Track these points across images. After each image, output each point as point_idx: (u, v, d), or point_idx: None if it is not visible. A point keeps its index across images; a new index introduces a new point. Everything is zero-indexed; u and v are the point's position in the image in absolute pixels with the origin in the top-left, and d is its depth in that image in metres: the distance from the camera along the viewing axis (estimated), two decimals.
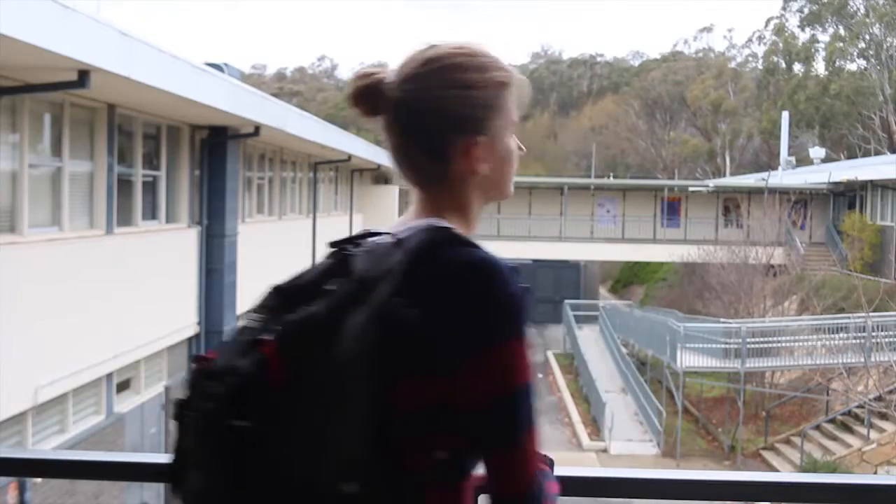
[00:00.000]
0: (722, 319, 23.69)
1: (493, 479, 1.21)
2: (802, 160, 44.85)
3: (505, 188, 1.41)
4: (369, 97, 1.33)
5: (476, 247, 1.25)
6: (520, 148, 1.42)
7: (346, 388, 1.14)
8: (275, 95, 24.27)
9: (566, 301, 35.43)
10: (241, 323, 1.28)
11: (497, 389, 1.18)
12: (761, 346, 21.62)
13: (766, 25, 60.85)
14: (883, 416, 18.87)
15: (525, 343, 1.20)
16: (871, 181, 31.12)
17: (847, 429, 19.98)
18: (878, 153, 45.06)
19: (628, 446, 21.14)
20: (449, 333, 1.18)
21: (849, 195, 34.19)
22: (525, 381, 1.20)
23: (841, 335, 20.78)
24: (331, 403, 1.15)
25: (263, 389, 1.17)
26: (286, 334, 1.19)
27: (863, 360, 19.89)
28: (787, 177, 38.52)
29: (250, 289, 16.18)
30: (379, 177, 32.68)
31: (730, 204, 36.09)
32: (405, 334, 1.16)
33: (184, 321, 14.08)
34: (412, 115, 1.32)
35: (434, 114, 1.32)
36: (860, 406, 19.46)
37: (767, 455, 20.70)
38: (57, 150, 10.47)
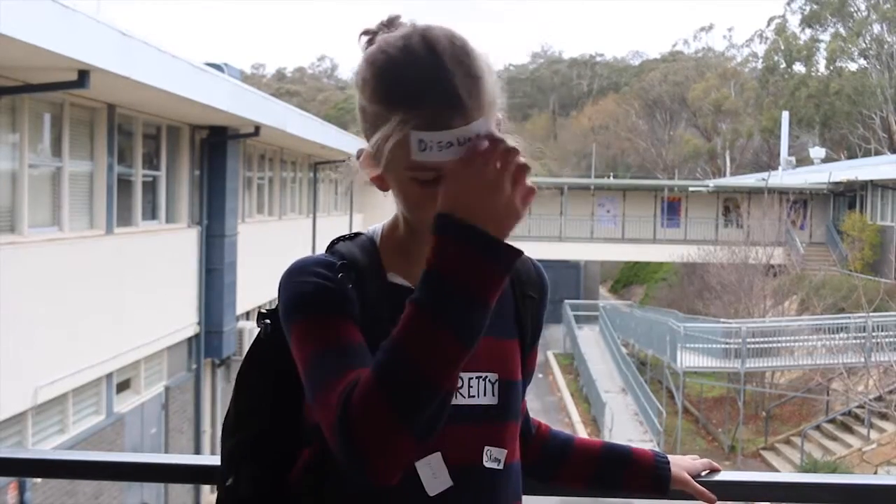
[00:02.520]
0: (722, 319, 23.69)
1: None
2: (803, 160, 44.85)
3: (410, 215, 1.26)
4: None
5: (329, 255, 1.29)
6: (423, 181, 1.18)
7: (242, 368, 1.38)
8: (274, 95, 24.27)
9: (566, 301, 35.43)
10: None
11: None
12: (761, 346, 21.62)
13: (768, 25, 60.92)
14: (883, 417, 18.87)
15: (302, 324, 1.22)
16: (872, 181, 31.12)
17: (847, 429, 19.98)
18: (878, 153, 45.06)
19: None
20: None
21: (849, 195, 34.20)
22: (305, 354, 1.22)
23: (841, 335, 20.78)
24: (239, 375, 1.39)
25: None
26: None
27: (863, 360, 19.88)
28: (787, 177, 38.52)
29: (250, 289, 16.23)
30: None
31: (730, 204, 36.10)
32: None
33: (184, 321, 14.08)
34: None
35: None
36: (860, 406, 19.46)
37: (767, 455, 20.70)
38: (57, 150, 10.47)
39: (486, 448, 1.28)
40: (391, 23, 1.25)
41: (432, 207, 1.14)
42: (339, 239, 1.33)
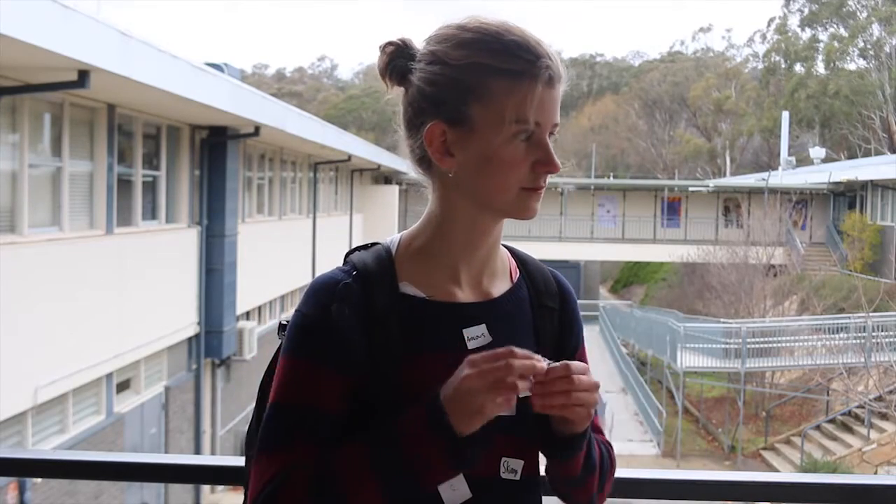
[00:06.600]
0: (722, 319, 23.70)
1: None
2: (803, 160, 44.85)
3: (490, 199, 1.24)
4: (390, 68, 1.28)
5: (343, 266, 1.29)
6: (542, 163, 1.26)
7: (263, 380, 1.34)
8: (274, 95, 24.26)
9: None
10: None
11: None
12: (761, 346, 21.62)
13: (769, 25, 60.92)
14: (883, 417, 18.86)
15: (290, 363, 1.23)
16: (871, 181, 31.12)
17: (847, 429, 19.97)
18: (878, 153, 45.06)
19: (628, 446, 21.13)
20: None
21: (849, 195, 34.20)
22: (274, 400, 1.23)
23: (841, 335, 20.78)
24: (261, 386, 1.36)
25: None
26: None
27: (863, 360, 19.88)
28: (787, 177, 38.51)
29: (250, 289, 16.23)
30: (379, 177, 32.65)
31: (730, 204, 36.11)
32: None
33: (184, 321, 14.07)
34: (407, 91, 1.27)
35: (415, 89, 1.25)
36: (860, 406, 19.44)
37: (767, 455, 20.69)
38: (57, 150, 10.46)
39: (504, 459, 1.27)
40: (406, 44, 1.28)
41: (525, 164, 1.24)
42: (356, 248, 1.33)
